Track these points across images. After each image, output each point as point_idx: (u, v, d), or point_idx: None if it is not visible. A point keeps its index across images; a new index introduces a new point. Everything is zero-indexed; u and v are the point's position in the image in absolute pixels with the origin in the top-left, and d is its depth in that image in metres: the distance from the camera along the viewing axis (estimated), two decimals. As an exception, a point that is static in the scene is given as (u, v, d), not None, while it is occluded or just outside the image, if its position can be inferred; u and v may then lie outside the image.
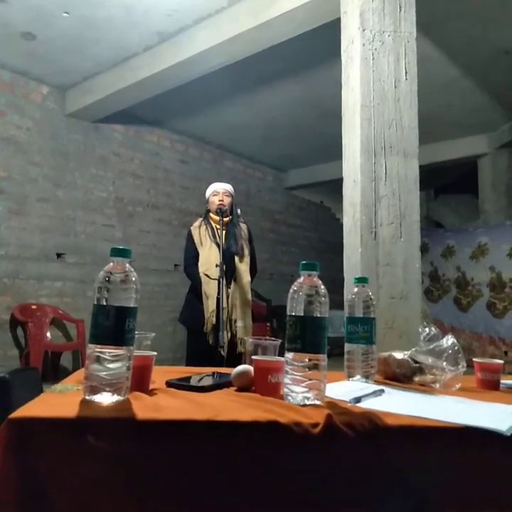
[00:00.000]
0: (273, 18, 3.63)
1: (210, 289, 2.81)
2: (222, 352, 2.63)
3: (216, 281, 2.72)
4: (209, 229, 2.98)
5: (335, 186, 3.53)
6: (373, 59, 2.80)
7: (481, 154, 6.84)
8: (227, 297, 2.83)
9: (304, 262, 1.01)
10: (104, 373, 0.90)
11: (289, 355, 0.97)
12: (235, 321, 2.84)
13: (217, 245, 2.86)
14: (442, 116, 5.83)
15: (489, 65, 4.75)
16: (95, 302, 0.93)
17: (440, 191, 9.34)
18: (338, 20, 3.06)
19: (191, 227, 3.06)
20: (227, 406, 0.91)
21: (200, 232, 2.99)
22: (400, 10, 2.87)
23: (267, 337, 1.27)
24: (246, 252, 2.98)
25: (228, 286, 2.85)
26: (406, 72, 2.82)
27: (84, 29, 4.16)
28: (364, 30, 2.81)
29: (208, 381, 1.15)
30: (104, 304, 0.92)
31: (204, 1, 3.82)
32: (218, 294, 2.68)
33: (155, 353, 1.08)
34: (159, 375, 1.15)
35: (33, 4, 3.81)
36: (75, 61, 4.72)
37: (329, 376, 1.23)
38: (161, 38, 4.32)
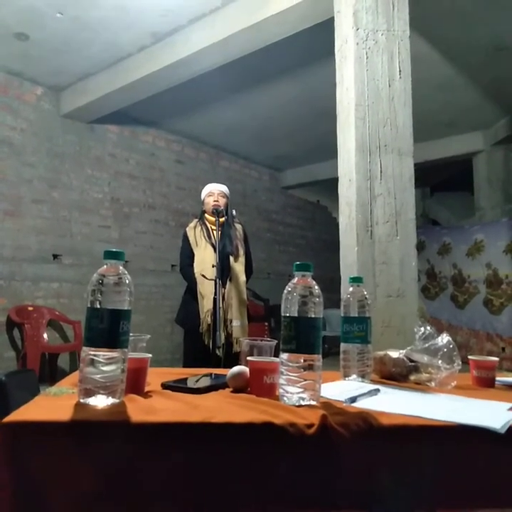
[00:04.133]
0: (267, 17, 3.63)
1: (205, 289, 2.81)
2: (218, 352, 2.63)
3: (212, 282, 2.72)
4: (204, 230, 2.98)
5: (331, 185, 3.53)
6: (367, 58, 2.80)
7: (476, 151, 6.85)
8: (223, 297, 2.83)
9: (297, 262, 1.01)
10: (99, 376, 0.90)
11: (284, 355, 0.98)
12: (231, 321, 2.84)
13: (213, 246, 2.87)
14: (437, 114, 5.84)
15: (483, 63, 4.75)
16: (89, 305, 0.93)
17: (436, 189, 9.35)
18: (332, 19, 3.06)
19: (187, 228, 3.07)
20: (222, 408, 0.91)
21: (195, 232, 2.99)
22: (393, 9, 2.87)
23: (265, 337, 1.27)
24: (241, 252, 2.99)
25: (224, 286, 2.85)
26: (400, 71, 2.82)
27: (77, 30, 4.14)
28: (358, 30, 2.81)
29: (203, 383, 1.15)
30: (98, 306, 0.92)
31: (198, 2, 3.82)
32: (215, 294, 2.68)
33: (150, 355, 1.08)
34: (155, 377, 1.15)
35: (26, 5, 3.80)
36: (69, 62, 4.71)
37: (325, 376, 1.23)
38: (155, 38, 4.32)
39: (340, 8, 2.98)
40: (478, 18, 4.01)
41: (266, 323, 6.14)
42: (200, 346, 2.78)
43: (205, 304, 2.81)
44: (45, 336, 4.98)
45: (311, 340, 0.96)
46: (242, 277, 2.96)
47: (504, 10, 3.89)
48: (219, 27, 3.93)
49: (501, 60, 4.67)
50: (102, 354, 0.90)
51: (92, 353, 0.90)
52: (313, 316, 0.97)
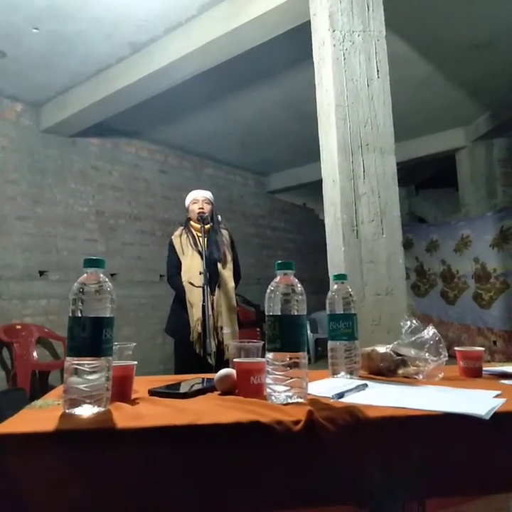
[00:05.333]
0: (244, 23, 3.65)
1: (194, 297, 2.80)
2: (210, 360, 2.62)
3: (200, 289, 2.71)
4: (190, 237, 2.97)
5: (316, 187, 3.55)
6: (345, 59, 2.82)
7: (458, 148, 6.92)
8: (212, 304, 2.81)
9: (279, 261, 1.02)
10: (84, 385, 0.89)
11: (270, 355, 0.97)
12: (222, 328, 2.83)
13: (200, 253, 2.85)
14: (418, 112, 5.89)
15: (460, 60, 4.81)
16: (70, 314, 0.92)
17: (421, 187, 9.42)
18: (309, 22, 3.09)
19: (172, 237, 3.05)
20: (210, 410, 0.91)
21: (181, 240, 2.98)
22: (368, 9, 2.91)
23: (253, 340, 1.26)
24: (229, 258, 2.98)
25: (212, 293, 2.84)
26: (378, 71, 2.85)
27: (54, 44, 4.14)
28: (334, 31, 2.84)
29: (193, 387, 1.15)
30: (79, 315, 0.91)
31: (174, 10, 3.83)
32: (203, 301, 2.67)
33: (135, 363, 1.07)
34: (143, 385, 1.14)
35: (2, 21, 3.78)
36: (47, 76, 4.69)
37: (316, 375, 1.23)
38: (133, 48, 4.32)
39: (315, 11, 3.01)
40: (453, 15, 4.06)
41: (257, 329, 6.13)
42: (191, 355, 2.76)
43: (195, 313, 2.79)
44: (34, 354, 4.91)
45: (295, 338, 0.96)
46: (231, 283, 2.95)
47: (479, 7, 3.95)
48: (196, 35, 3.95)
49: (478, 56, 4.73)
50: (86, 363, 0.90)
51: (76, 362, 0.90)
52: (296, 313, 0.97)
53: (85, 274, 0.95)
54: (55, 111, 5.23)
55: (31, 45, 4.14)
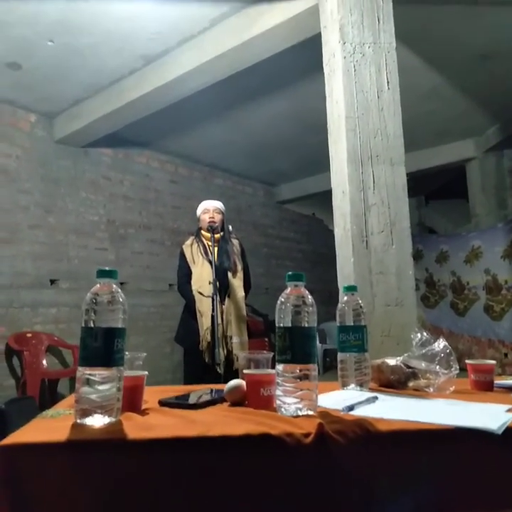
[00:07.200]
0: (255, 36, 3.68)
1: (203, 306, 2.81)
2: (219, 369, 2.62)
3: (210, 299, 2.72)
4: (201, 246, 2.99)
5: (326, 198, 3.55)
6: (355, 71, 2.84)
7: (468, 159, 6.90)
8: (222, 314, 2.82)
9: (289, 272, 1.02)
10: (95, 395, 0.89)
11: (280, 366, 0.97)
12: (231, 338, 2.83)
13: (210, 262, 2.87)
14: (427, 123, 5.90)
15: (470, 71, 4.81)
16: (83, 325, 0.93)
17: (431, 197, 9.39)
18: (319, 34, 3.11)
19: (183, 246, 3.08)
20: (219, 421, 0.91)
21: (192, 250, 3.00)
22: (379, 22, 2.93)
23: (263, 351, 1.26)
24: (239, 267, 2.99)
25: (222, 302, 2.85)
26: (388, 82, 2.86)
27: (68, 56, 4.20)
28: (344, 43, 2.86)
29: (201, 398, 1.15)
30: (92, 326, 0.92)
31: (186, 23, 3.88)
32: (212, 310, 2.68)
33: (146, 373, 1.07)
34: (153, 395, 1.14)
35: (17, 34, 3.86)
36: (61, 88, 4.77)
37: (325, 387, 1.23)
38: (145, 60, 4.37)
39: (326, 23, 3.03)
40: (462, 26, 4.07)
41: (266, 339, 6.11)
42: (200, 364, 2.77)
43: (205, 322, 2.80)
44: (44, 362, 4.93)
45: (306, 350, 0.96)
46: (241, 293, 2.96)
47: (488, 17, 3.96)
48: (208, 47, 3.99)
49: (488, 67, 4.73)
50: (98, 373, 0.90)
51: (88, 372, 0.90)
52: (306, 325, 0.97)
53: (98, 285, 0.96)
54: (68, 122, 5.30)
55: (46, 58, 4.21)
